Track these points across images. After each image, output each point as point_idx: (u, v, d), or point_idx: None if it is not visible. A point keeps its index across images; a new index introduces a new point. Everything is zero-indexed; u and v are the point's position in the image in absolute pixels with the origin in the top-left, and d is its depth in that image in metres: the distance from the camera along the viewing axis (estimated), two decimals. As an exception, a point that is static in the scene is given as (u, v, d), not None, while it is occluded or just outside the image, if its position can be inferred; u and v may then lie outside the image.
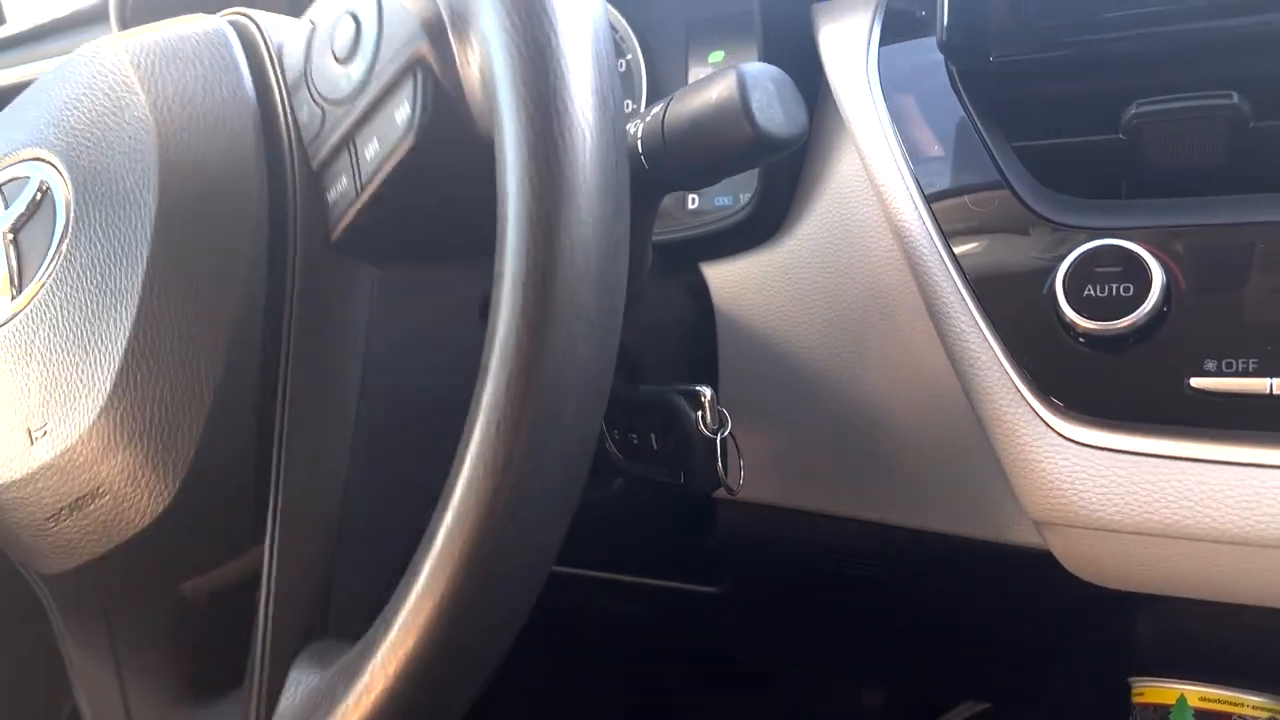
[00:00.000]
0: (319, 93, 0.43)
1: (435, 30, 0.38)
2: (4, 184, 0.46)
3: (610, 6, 0.67)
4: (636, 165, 0.46)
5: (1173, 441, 0.45)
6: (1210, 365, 0.44)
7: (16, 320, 0.44)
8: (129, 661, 0.45)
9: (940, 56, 0.52)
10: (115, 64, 0.45)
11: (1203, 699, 0.54)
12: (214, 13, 0.49)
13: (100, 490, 0.42)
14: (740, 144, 0.45)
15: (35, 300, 0.43)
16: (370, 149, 0.41)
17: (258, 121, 0.43)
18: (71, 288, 0.43)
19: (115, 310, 0.41)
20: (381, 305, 0.45)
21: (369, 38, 0.41)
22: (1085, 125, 0.49)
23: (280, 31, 0.47)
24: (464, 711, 0.35)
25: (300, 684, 0.40)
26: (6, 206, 0.45)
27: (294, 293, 0.43)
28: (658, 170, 0.47)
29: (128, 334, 0.41)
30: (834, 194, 0.57)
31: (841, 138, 0.57)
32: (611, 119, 0.33)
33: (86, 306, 0.42)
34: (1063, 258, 0.46)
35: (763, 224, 0.60)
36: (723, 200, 0.66)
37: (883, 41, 0.55)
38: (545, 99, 0.32)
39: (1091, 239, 0.46)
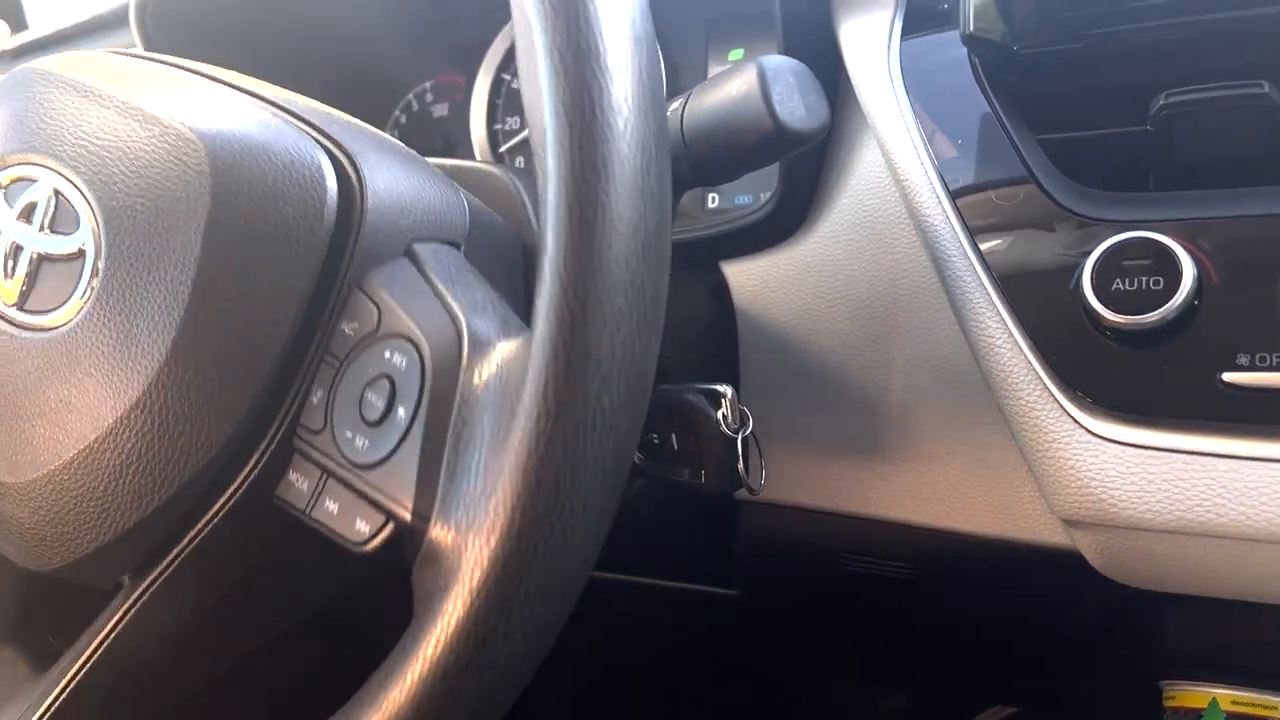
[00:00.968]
0: None
1: None
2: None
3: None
4: None
5: (1204, 438, 0.44)
6: (1243, 359, 0.43)
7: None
8: None
9: (963, 49, 0.51)
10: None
11: (1235, 702, 0.53)
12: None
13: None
14: (761, 138, 0.44)
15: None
16: None
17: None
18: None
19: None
20: None
21: None
22: (1112, 117, 0.48)
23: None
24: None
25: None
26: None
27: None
28: (677, 167, 0.46)
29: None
30: (855, 191, 0.56)
31: (863, 134, 0.56)
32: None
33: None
34: (1090, 251, 0.45)
35: (783, 222, 0.59)
36: (743, 199, 0.66)
37: (904, 34, 0.54)
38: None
39: (1120, 232, 0.45)
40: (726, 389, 0.53)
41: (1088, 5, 0.47)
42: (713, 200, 0.67)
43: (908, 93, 0.53)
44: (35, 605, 0.48)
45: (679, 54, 0.68)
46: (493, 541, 0.32)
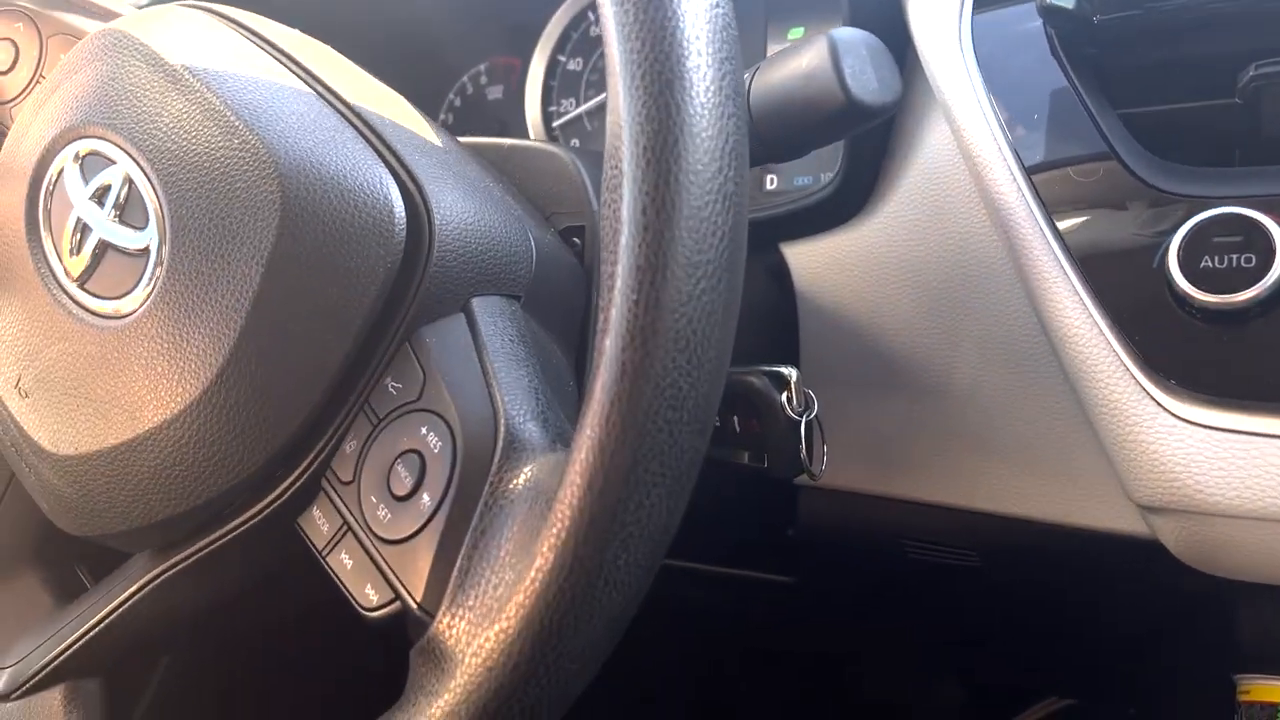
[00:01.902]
0: None
1: None
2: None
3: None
4: None
5: (1296, 421, 0.43)
6: (1339, 340, 0.42)
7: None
8: None
9: (1038, 22, 0.50)
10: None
11: (1316, 697, 0.52)
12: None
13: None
14: (833, 112, 0.43)
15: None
16: None
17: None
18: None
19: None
20: None
21: None
22: (1197, 90, 0.47)
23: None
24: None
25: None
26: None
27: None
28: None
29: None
30: (922, 169, 0.55)
31: (930, 110, 0.55)
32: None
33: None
34: (1176, 228, 0.44)
35: (847, 202, 0.58)
36: (803, 180, 0.64)
37: (976, 8, 0.53)
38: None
39: (1208, 208, 0.44)
40: (791, 371, 0.52)
41: (1172, -27, 0.45)
42: (771, 182, 0.66)
43: (980, 67, 0.51)
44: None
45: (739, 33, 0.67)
46: (489, 666, 0.33)
